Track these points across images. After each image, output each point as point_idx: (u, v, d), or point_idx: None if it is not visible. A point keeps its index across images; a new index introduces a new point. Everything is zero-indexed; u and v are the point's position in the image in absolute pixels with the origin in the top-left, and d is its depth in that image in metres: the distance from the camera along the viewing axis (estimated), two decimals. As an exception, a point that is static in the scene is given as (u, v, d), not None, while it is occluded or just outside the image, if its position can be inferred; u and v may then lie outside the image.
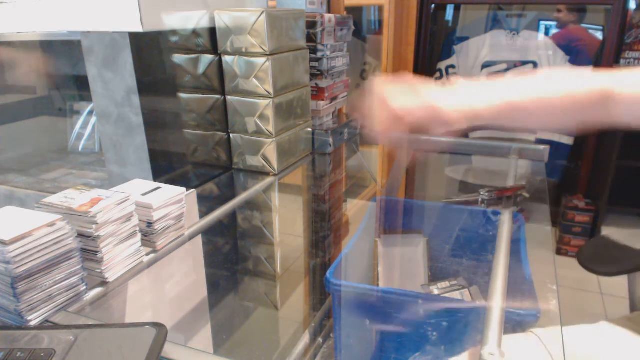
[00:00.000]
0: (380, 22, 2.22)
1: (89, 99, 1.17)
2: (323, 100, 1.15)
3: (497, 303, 0.55)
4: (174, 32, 0.84)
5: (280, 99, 0.97)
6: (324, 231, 1.26)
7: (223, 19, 0.92)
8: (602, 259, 0.89)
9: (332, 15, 1.12)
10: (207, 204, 0.89)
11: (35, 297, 0.51)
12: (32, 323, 0.51)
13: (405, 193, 1.52)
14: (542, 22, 2.43)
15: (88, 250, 0.58)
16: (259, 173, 1.02)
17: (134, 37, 0.76)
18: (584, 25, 2.38)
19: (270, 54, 0.92)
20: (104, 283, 0.60)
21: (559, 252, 2.35)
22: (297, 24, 1.00)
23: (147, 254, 0.66)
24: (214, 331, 0.92)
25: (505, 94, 0.63)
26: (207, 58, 0.93)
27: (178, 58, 0.86)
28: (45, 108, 1.31)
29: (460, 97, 0.64)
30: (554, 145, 2.20)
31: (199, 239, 0.80)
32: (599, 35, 2.32)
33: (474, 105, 0.63)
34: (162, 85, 0.84)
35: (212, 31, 0.94)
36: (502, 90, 0.63)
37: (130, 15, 0.74)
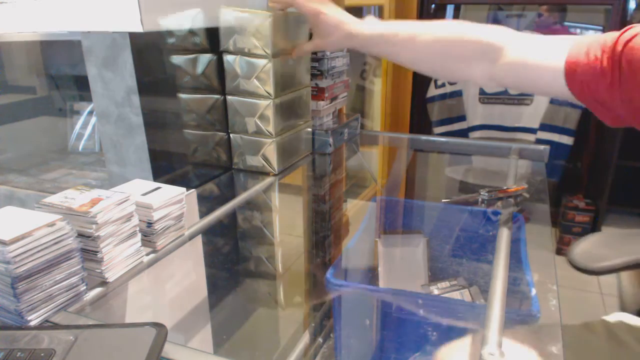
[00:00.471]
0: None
1: (89, 99, 1.17)
2: (323, 100, 1.15)
3: (497, 303, 0.55)
4: (174, 32, 0.84)
5: (281, 99, 0.97)
6: (324, 231, 1.26)
7: (227, 18, 0.91)
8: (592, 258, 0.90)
9: (332, 15, 1.12)
10: (207, 204, 0.89)
11: (35, 297, 0.51)
12: (32, 323, 0.51)
13: (405, 193, 1.52)
14: (541, 22, 2.42)
15: (88, 250, 0.58)
16: (259, 173, 1.02)
17: (134, 37, 0.76)
18: (566, 24, 2.38)
19: (273, 56, 0.91)
20: (104, 283, 0.60)
21: (559, 252, 2.35)
22: (301, 25, 0.99)
23: (147, 254, 0.66)
24: (214, 331, 0.92)
25: (386, 27, 0.74)
26: (208, 58, 0.93)
27: (178, 58, 0.86)
28: (45, 108, 1.31)
29: (352, 23, 0.77)
30: (554, 145, 2.20)
31: (199, 239, 0.80)
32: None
33: (357, 29, 0.76)
34: (162, 85, 0.84)
35: (213, 31, 0.94)
36: (387, 25, 0.75)
37: (130, 15, 0.74)
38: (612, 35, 0.54)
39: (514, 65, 0.61)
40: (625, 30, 0.53)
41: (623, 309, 0.92)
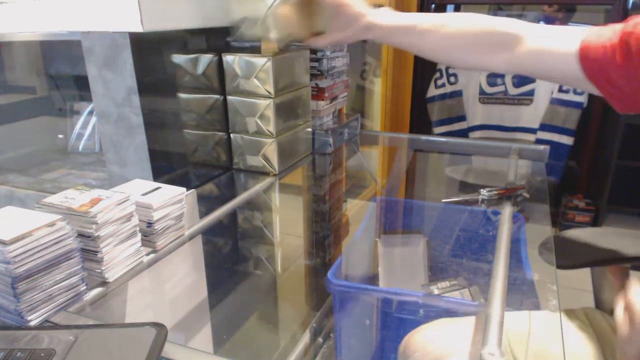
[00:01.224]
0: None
1: (89, 99, 1.17)
2: (323, 100, 1.15)
3: (497, 303, 0.55)
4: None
5: (281, 99, 0.97)
6: (324, 231, 1.26)
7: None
8: (561, 252, 0.90)
9: (332, 15, 1.12)
10: (207, 204, 0.89)
11: (35, 297, 0.51)
12: (32, 323, 0.51)
13: (405, 193, 1.52)
14: (542, 22, 2.42)
15: (88, 250, 0.58)
16: (259, 173, 1.02)
17: (134, 37, 0.76)
18: (572, 24, 2.38)
19: (272, 55, 0.91)
20: (104, 283, 0.60)
21: (559, 252, 2.35)
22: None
23: (147, 254, 0.66)
24: (214, 331, 0.92)
25: (404, 19, 0.74)
26: (207, 58, 0.93)
27: (178, 58, 0.86)
28: (45, 108, 1.31)
29: (371, 14, 0.76)
30: (554, 145, 2.20)
31: (199, 239, 0.80)
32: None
33: (376, 21, 0.75)
34: (162, 85, 0.84)
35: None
36: (405, 17, 0.75)
37: (130, 15, 0.74)
38: (624, 23, 0.58)
39: (533, 52, 0.65)
40: (636, 17, 0.57)
41: (598, 305, 0.92)
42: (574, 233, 0.88)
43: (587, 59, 0.59)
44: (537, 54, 0.64)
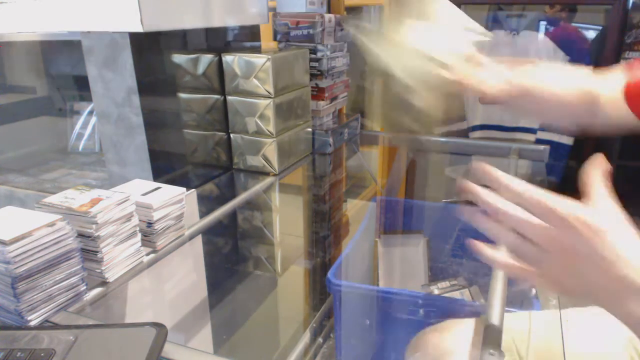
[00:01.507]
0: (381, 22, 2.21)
1: (89, 99, 1.17)
2: (323, 100, 1.15)
3: (497, 303, 0.55)
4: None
5: (281, 99, 0.97)
6: (324, 231, 1.26)
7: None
8: None
9: (332, 15, 1.12)
10: (207, 204, 0.89)
11: (35, 297, 0.51)
12: (32, 323, 0.51)
13: (405, 193, 1.52)
14: (542, 22, 2.42)
15: (88, 250, 0.58)
16: (259, 173, 1.02)
17: (134, 37, 0.76)
18: (574, 24, 2.38)
19: (272, 54, 0.92)
20: (104, 283, 0.60)
21: (559, 252, 2.34)
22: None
23: (147, 254, 0.66)
24: (214, 331, 0.92)
25: (527, 80, 0.65)
26: (207, 58, 0.93)
27: (178, 58, 0.86)
28: (45, 108, 1.31)
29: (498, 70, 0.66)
30: (554, 145, 2.20)
31: (199, 239, 0.80)
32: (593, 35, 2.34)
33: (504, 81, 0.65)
34: (162, 85, 0.84)
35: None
36: (526, 75, 0.65)
37: (130, 15, 0.74)
38: None
39: (606, 104, 0.63)
40: None
41: None
42: None
43: (632, 95, 0.58)
44: (604, 106, 0.62)
